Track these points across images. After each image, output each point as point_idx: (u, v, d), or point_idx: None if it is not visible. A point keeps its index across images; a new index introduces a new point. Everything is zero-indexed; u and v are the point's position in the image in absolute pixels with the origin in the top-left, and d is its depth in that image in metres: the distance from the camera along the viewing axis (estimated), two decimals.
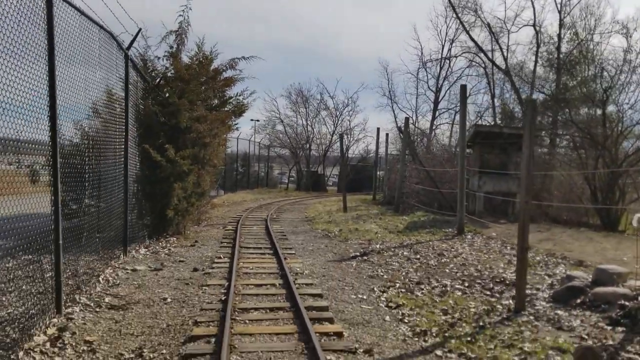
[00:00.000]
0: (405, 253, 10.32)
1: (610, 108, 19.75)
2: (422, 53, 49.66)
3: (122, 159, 8.40)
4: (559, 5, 26.51)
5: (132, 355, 4.64)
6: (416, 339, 5.36)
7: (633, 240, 9.84)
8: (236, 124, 15.47)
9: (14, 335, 4.57)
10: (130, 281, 7.31)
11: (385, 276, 8.30)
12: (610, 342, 5.31)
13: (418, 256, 9.96)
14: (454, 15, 28.36)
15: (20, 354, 4.37)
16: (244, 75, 13.58)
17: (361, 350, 4.85)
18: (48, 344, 4.70)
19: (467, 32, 25.75)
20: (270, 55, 77.64)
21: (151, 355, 4.64)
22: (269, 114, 40.94)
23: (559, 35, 26.09)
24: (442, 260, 9.51)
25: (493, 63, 25.75)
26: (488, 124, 24.62)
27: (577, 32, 25.38)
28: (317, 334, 5.03)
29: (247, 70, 57.87)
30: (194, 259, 9.08)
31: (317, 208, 20.98)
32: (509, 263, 9.11)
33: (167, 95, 11.35)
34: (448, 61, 37.74)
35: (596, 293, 6.88)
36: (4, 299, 5.21)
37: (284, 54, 79.41)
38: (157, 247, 9.96)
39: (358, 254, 10.27)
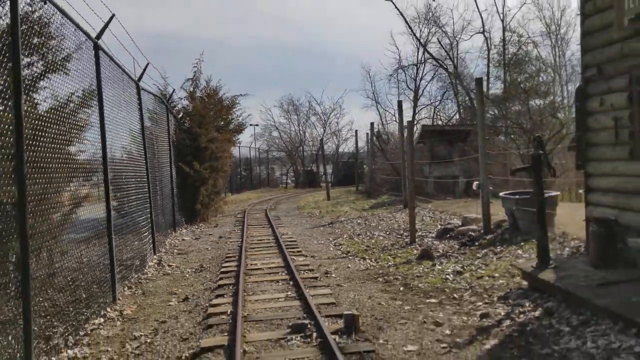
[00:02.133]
0: (359, 221, 15.27)
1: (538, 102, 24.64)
2: (399, 57, 54.27)
3: (168, 172, 13.38)
4: (501, 15, 31.48)
5: (196, 267, 9.55)
6: (343, 254, 10.30)
7: None
8: (238, 139, 20.47)
9: (138, 262, 9.47)
10: (183, 244, 12.29)
11: (339, 232, 13.27)
12: (451, 251, 10.18)
13: (366, 222, 14.91)
14: (424, 23, 33.36)
15: (145, 269, 9.29)
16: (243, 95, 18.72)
17: (310, 256, 9.80)
18: (155, 265, 9.64)
19: (423, 46, 30.71)
20: (264, 53, 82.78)
21: (207, 266, 9.56)
22: (265, 122, 45.96)
23: (502, 39, 31.03)
24: (380, 223, 14.45)
25: (445, 69, 30.69)
26: (432, 124, 29.49)
27: (519, 37, 30.34)
28: (289, 253, 9.95)
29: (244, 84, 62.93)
30: (218, 233, 14.04)
31: (308, 199, 25.96)
32: (421, 221, 14.02)
33: (189, 125, 16.33)
34: (423, 65, 42.58)
35: (459, 230, 11.79)
36: (128, 248, 10.17)
37: (275, 52, 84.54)
38: (193, 228, 14.96)
39: (326, 224, 15.24)
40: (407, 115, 45.88)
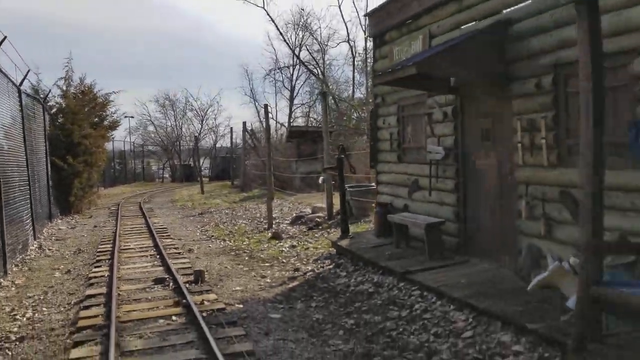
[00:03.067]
0: (227, 211, 17.29)
1: None
2: (276, 57, 56.77)
3: (45, 167, 14.34)
4: (363, 26, 35.14)
5: (74, 250, 10.96)
6: (207, 238, 12.28)
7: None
8: (112, 135, 21.41)
9: (21, 246, 10.65)
10: (60, 232, 13.44)
11: (207, 221, 15.20)
12: (298, 234, 12.55)
13: (234, 212, 16.98)
14: (296, 29, 36.07)
15: (27, 252, 10.52)
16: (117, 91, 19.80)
17: (177, 239, 11.68)
18: (36, 249, 10.90)
19: (293, 51, 33.40)
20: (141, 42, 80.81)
21: (84, 249, 11.03)
22: (141, 117, 45.90)
23: (365, 48, 34.74)
24: (246, 213, 16.61)
25: (313, 74, 33.69)
26: (298, 125, 32.46)
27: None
28: (159, 237, 11.71)
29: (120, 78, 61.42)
30: (93, 223, 15.25)
31: (183, 193, 27.36)
32: (280, 211, 16.41)
33: (63, 121, 17.15)
34: (298, 67, 45.33)
35: (308, 217, 14.31)
36: (14, 233, 11.24)
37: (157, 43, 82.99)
38: (67, 219, 15.95)
39: (197, 214, 17.07)
40: (284, 114, 48.70)
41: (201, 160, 50.83)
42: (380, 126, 9.19)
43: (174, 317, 5.64)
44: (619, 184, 4.50)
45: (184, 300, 6.04)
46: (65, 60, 17.44)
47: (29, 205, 11.12)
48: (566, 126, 5.31)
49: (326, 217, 13.79)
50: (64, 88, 17.60)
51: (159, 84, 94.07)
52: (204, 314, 5.58)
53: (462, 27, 6.76)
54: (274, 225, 13.67)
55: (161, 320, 5.57)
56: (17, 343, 5.23)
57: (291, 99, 47.85)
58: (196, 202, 21.26)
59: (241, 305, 6.16)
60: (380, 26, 8.77)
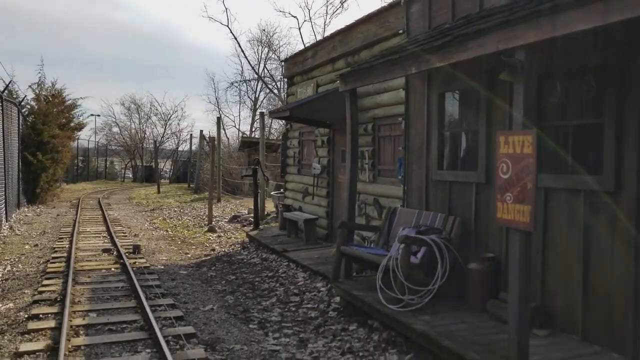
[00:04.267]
0: (176, 209, 19.82)
1: None
2: (242, 68, 59.42)
3: (16, 161, 16.63)
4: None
5: (40, 231, 13.37)
6: (153, 228, 14.83)
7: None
8: (78, 136, 23.69)
9: None
10: (27, 218, 15.75)
11: (156, 215, 17.72)
12: (232, 229, 15.22)
13: (182, 210, 19.53)
14: (259, 46, 38.92)
15: (1, 230, 12.87)
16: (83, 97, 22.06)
17: (127, 227, 14.21)
18: (7, 230, 13.25)
19: (253, 68, 36.18)
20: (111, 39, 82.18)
21: (49, 231, 13.44)
22: (106, 118, 47.82)
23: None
24: (192, 211, 19.18)
25: (271, 91, 36.52)
26: (249, 136, 35.22)
27: None
28: (112, 225, 14.20)
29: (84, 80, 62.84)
30: (56, 212, 17.57)
31: (140, 192, 29.63)
32: (223, 211, 19.03)
33: (34, 121, 19.43)
34: (261, 81, 48.05)
35: (243, 217, 17.02)
36: None
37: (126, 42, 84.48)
38: (34, 208, 18.21)
39: (149, 210, 19.55)
40: (247, 123, 51.31)
41: (164, 163, 53.07)
42: (288, 146, 12.03)
43: (112, 269, 8.31)
44: (378, 192, 7.46)
45: (121, 261, 8.69)
46: (38, 67, 19.68)
47: (3, 194, 13.48)
48: (378, 157, 8.23)
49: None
50: (37, 92, 19.89)
51: (124, 84, 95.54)
52: (134, 268, 8.24)
53: (334, 83, 9.67)
54: (213, 222, 16.28)
55: (104, 270, 8.22)
56: (3, 282, 7.77)
57: (254, 110, 50.50)
58: (151, 200, 23.67)
59: (162, 267, 8.85)
60: (291, 71, 11.65)
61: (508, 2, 4.69)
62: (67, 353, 4.75)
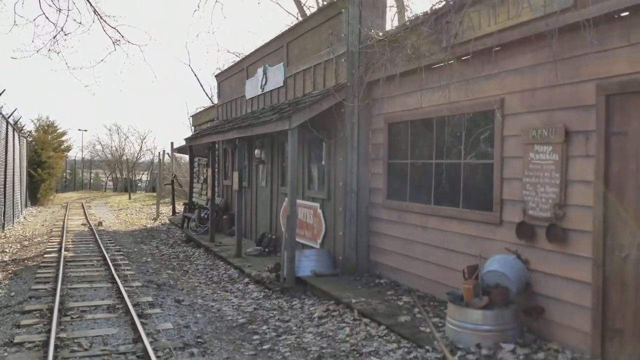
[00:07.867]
0: (138, 209, 27.65)
1: None
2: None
3: (25, 175, 24.44)
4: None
5: (43, 220, 21.15)
6: (117, 219, 22.68)
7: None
8: (67, 156, 31.59)
9: (15, 216, 20.73)
10: (32, 213, 23.55)
11: (123, 213, 25.58)
12: (175, 221, 23.11)
13: (143, 210, 27.38)
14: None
15: (19, 219, 20.61)
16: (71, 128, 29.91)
17: (99, 217, 22.08)
18: (23, 218, 21.02)
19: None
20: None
21: (49, 220, 21.23)
22: (92, 137, 55.62)
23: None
24: (150, 211, 27.03)
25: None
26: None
27: None
28: (89, 216, 22.00)
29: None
30: (52, 211, 25.33)
31: (116, 199, 37.39)
32: (170, 209, 26.91)
33: (35, 146, 27.25)
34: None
35: (181, 212, 24.99)
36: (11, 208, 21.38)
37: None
38: (36, 207, 25.99)
39: (118, 210, 27.39)
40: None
41: (141, 175, 60.86)
42: (195, 167, 20.04)
43: (85, 230, 16.26)
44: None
45: (91, 229, 16.62)
46: (38, 107, 27.53)
47: (19, 196, 21.29)
48: (219, 176, 16.29)
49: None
50: (37, 125, 27.80)
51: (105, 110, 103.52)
52: (97, 230, 16.14)
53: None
54: (160, 216, 24.18)
55: (81, 229, 16.17)
56: (32, 237, 15.62)
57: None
58: (122, 204, 31.50)
59: (112, 231, 16.76)
60: (195, 123, 19.66)
61: (244, 115, 12.78)
62: (66, 247, 12.63)
